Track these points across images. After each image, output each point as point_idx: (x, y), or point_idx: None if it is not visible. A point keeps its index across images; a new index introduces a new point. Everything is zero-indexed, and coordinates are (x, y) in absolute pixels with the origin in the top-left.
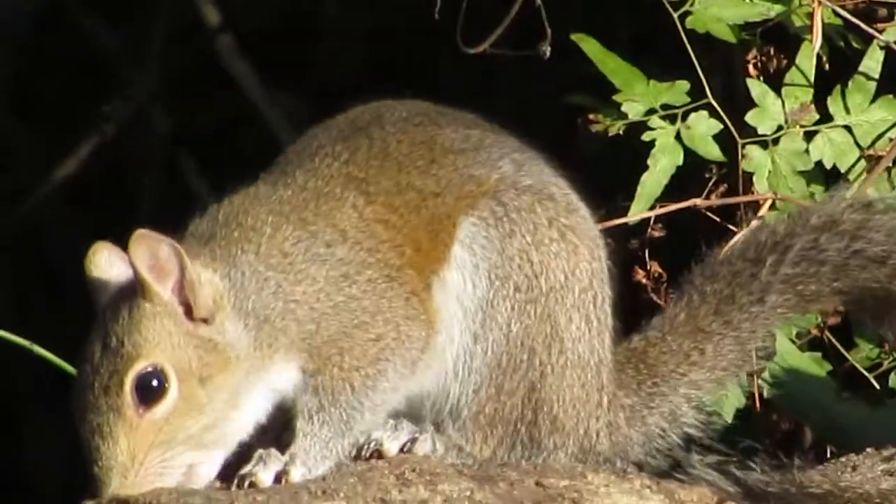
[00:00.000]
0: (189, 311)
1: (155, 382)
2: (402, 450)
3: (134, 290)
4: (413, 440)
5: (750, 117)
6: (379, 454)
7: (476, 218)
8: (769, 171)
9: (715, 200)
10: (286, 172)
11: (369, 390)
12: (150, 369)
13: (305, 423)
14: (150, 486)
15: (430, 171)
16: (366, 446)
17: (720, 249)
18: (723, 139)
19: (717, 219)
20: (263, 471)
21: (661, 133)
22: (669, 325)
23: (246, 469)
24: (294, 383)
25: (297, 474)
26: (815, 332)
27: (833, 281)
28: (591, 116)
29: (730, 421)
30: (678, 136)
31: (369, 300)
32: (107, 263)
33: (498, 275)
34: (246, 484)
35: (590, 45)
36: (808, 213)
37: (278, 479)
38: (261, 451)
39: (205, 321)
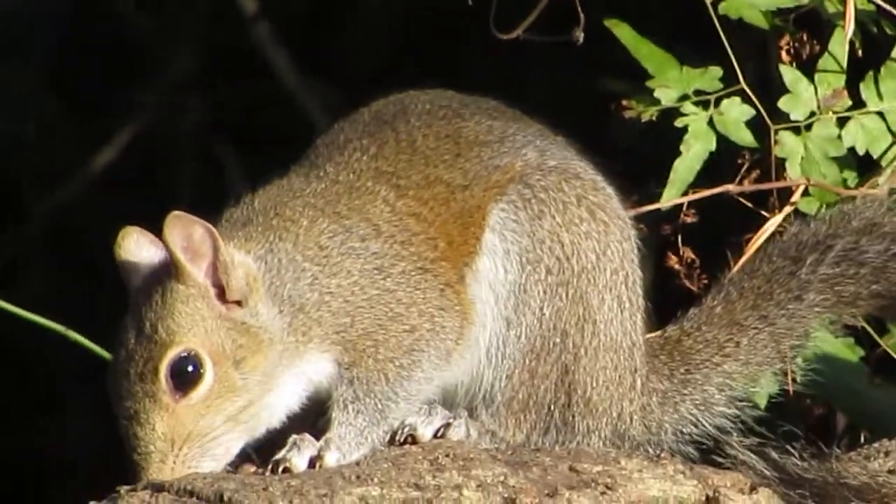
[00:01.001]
0: (222, 294)
1: (190, 368)
2: (435, 435)
3: (166, 273)
4: (447, 425)
5: (782, 103)
6: (413, 439)
7: (504, 203)
8: (802, 157)
9: (748, 186)
10: (317, 165)
11: (404, 380)
12: (184, 355)
13: (340, 412)
14: (188, 472)
15: (457, 164)
16: (399, 431)
17: (752, 236)
18: (755, 125)
19: (750, 204)
20: (297, 456)
21: (694, 119)
22: (706, 317)
23: (280, 454)
24: (328, 375)
25: (331, 459)
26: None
27: (872, 283)
28: (624, 103)
29: (763, 407)
30: (711, 122)
31: (403, 292)
32: (136, 247)
33: (529, 258)
34: (280, 469)
35: (623, 31)
36: (849, 216)
37: (312, 464)
38: (295, 436)
39: (238, 304)
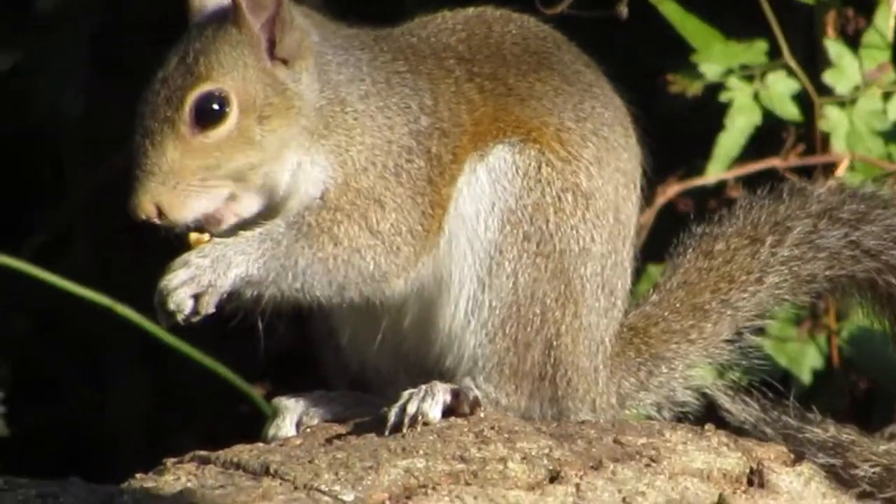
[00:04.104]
0: (272, 49)
1: (216, 106)
2: (444, 411)
3: (226, 16)
4: (455, 395)
5: (827, 77)
6: (425, 423)
7: (513, 152)
8: (847, 132)
9: (793, 161)
10: (411, 32)
11: (342, 266)
12: (215, 93)
13: (280, 225)
14: (187, 204)
15: (528, 77)
16: (407, 419)
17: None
18: (801, 99)
19: (796, 179)
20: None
21: (739, 93)
22: (667, 303)
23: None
24: (315, 193)
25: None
26: None
27: (827, 268)
28: (669, 77)
29: (807, 382)
30: (756, 97)
31: (403, 189)
32: None
33: (510, 219)
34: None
35: (668, 7)
36: (808, 199)
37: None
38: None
39: (285, 63)
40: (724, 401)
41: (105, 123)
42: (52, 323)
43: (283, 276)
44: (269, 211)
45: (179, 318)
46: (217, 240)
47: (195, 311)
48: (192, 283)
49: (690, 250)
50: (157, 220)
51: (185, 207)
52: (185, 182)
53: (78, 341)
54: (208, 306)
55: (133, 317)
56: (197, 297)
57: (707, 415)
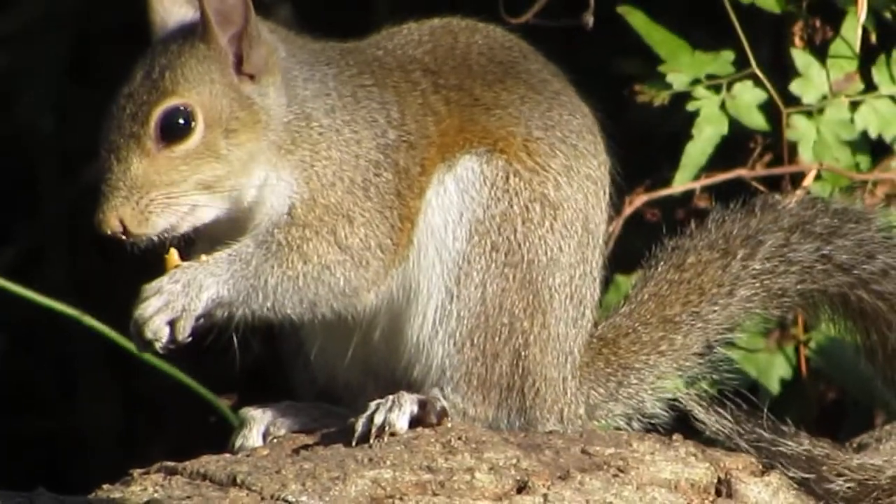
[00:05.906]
0: (240, 64)
1: (181, 121)
2: (412, 420)
3: (192, 31)
4: (422, 405)
5: (794, 87)
6: (392, 433)
7: (481, 163)
8: (814, 141)
9: (760, 171)
10: (378, 44)
11: (312, 283)
12: (180, 108)
13: (247, 246)
14: (151, 220)
15: (494, 87)
16: (374, 429)
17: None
18: (768, 109)
19: (763, 189)
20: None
21: (706, 103)
22: (638, 314)
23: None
24: (280, 203)
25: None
26: None
27: (798, 282)
28: (637, 87)
29: (776, 392)
30: (723, 106)
31: (371, 204)
32: (170, 1)
33: (478, 230)
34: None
35: (635, 18)
36: (779, 213)
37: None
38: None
39: (252, 78)
40: (698, 411)
41: (79, 137)
42: (24, 335)
43: (254, 296)
44: (237, 225)
45: (158, 346)
46: (186, 263)
47: (172, 339)
48: (166, 310)
49: (662, 263)
50: (121, 235)
51: (149, 223)
52: (149, 197)
53: (49, 353)
54: (184, 331)
55: (102, 329)
56: (172, 323)
57: (676, 425)
